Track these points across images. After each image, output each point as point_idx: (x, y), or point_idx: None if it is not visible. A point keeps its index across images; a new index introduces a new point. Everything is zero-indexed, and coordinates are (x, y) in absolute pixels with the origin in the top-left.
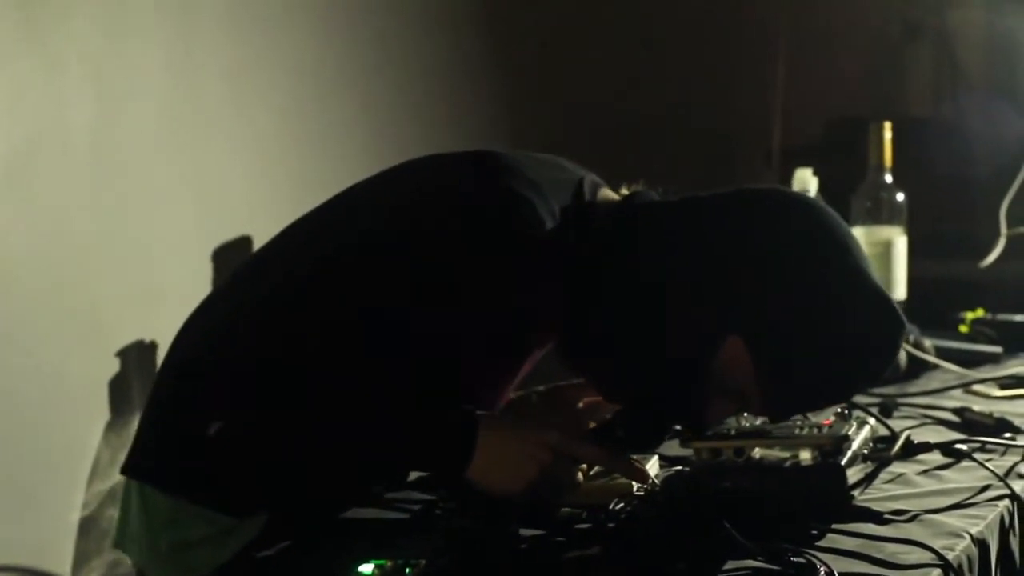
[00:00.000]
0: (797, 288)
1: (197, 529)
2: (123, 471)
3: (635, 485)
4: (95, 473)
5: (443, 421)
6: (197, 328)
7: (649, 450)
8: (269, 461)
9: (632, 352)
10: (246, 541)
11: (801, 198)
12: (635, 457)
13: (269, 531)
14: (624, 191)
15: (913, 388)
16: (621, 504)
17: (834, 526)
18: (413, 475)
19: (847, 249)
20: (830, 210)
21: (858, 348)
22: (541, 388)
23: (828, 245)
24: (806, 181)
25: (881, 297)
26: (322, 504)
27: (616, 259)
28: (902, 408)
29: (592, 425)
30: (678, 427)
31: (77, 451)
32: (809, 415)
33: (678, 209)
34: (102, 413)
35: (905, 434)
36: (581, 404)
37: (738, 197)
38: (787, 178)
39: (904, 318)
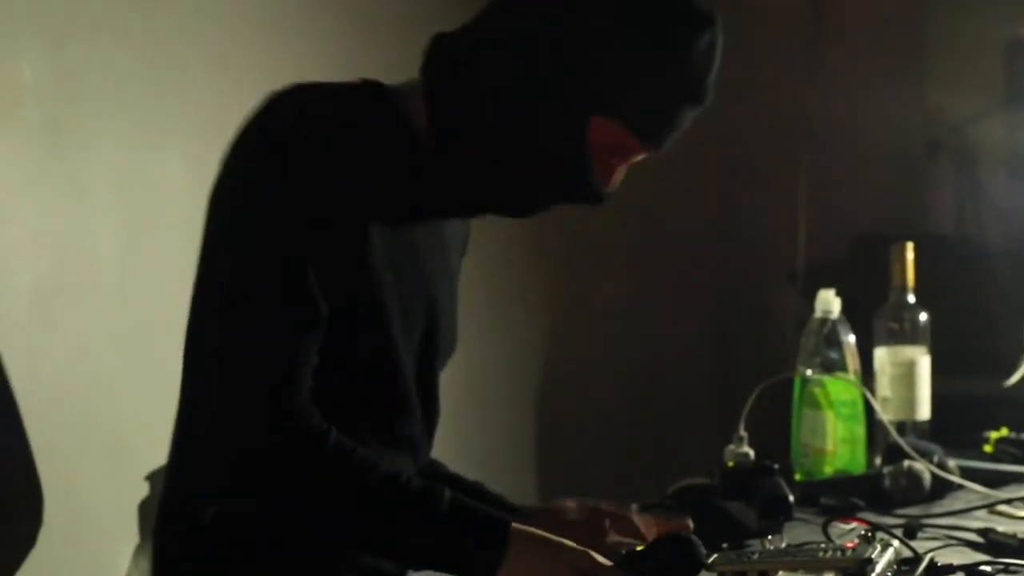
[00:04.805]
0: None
1: None
2: None
3: None
4: None
5: (475, 526)
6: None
7: None
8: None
9: (507, 161)
10: None
11: None
12: None
13: None
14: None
15: (937, 509)
16: None
17: None
18: None
19: None
20: None
21: (684, 45)
22: (573, 505)
23: None
24: (830, 302)
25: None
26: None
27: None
28: (926, 529)
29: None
30: None
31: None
32: (833, 539)
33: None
34: (131, 537)
35: (929, 556)
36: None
37: None
38: (811, 297)
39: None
